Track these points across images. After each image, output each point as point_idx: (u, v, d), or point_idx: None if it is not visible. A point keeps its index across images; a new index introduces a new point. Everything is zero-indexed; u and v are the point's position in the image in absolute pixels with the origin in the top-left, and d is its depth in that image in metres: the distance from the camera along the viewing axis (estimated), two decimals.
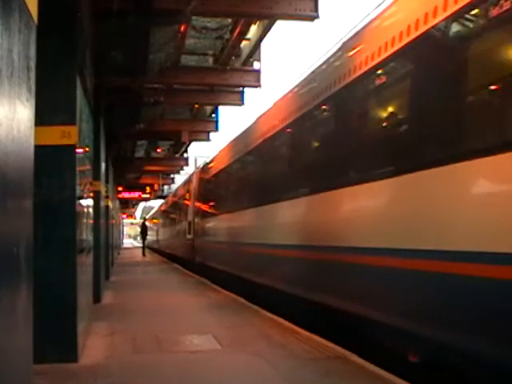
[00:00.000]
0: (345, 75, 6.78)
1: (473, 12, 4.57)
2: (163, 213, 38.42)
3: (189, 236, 20.55)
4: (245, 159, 12.59)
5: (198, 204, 19.19)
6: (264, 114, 11.47)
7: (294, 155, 9.24)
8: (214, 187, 16.55)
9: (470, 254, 4.27)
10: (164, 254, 33.99)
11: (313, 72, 8.46)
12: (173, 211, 30.05)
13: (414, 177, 5.09)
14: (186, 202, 22.42)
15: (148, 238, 45.98)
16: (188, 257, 21.05)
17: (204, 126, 18.92)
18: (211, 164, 17.52)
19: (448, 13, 4.70)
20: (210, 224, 16.52)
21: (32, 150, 2.56)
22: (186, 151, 25.84)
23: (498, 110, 4.39)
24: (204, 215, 17.78)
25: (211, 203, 16.74)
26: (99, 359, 5.89)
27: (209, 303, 10.58)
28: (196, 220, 19.36)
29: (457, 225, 4.52)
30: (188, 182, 23.25)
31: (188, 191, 22.32)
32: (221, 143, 16.10)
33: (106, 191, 13.94)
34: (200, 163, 21.51)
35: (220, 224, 14.88)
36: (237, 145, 13.64)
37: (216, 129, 18.50)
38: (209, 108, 17.88)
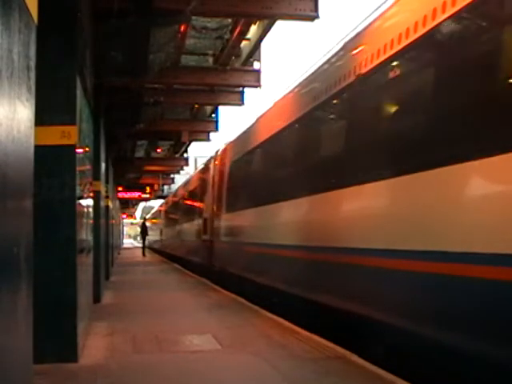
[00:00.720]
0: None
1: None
2: (168, 210, 33.92)
3: (204, 236, 16.47)
4: (313, 118, 8.26)
5: (218, 196, 14.67)
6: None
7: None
8: (248, 170, 12.09)
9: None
10: (167, 256, 30.87)
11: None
12: (180, 207, 26.00)
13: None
14: (200, 195, 18.61)
15: (150, 238, 45.69)
16: (203, 261, 16.84)
17: (204, 126, 18.91)
18: (243, 139, 13.00)
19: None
20: (242, 220, 12.00)
21: (32, 150, 2.56)
22: (186, 151, 25.84)
23: None
24: (230, 209, 13.16)
25: (242, 193, 12.33)
26: (99, 359, 5.89)
27: (209, 303, 10.58)
28: (215, 216, 14.95)
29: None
30: (203, 170, 18.74)
31: (202, 182, 18.21)
32: (260, 108, 13.09)
33: (106, 191, 13.94)
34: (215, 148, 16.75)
35: (260, 220, 10.65)
36: (295, 102, 9.37)
37: (216, 129, 18.50)
38: (209, 108, 17.88)
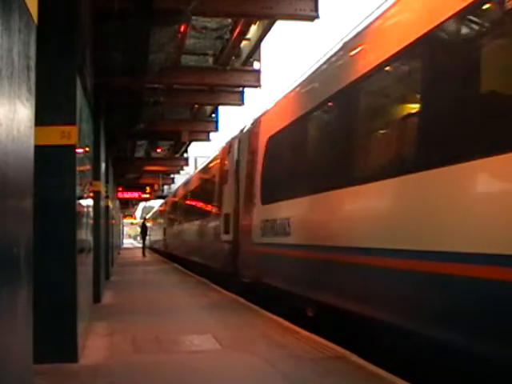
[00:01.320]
0: None
1: None
2: (173, 206, 30.00)
3: (225, 237, 13.17)
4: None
5: (246, 185, 11.36)
6: None
7: None
8: (306, 141, 8.66)
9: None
10: (171, 258, 28.18)
11: None
12: (189, 203, 22.77)
13: None
14: (216, 186, 15.22)
15: (152, 238, 45.27)
16: (223, 268, 13.55)
17: (204, 126, 18.93)
18: (292, 103, 9.47)
19: None
20: (299, 213, 8.30)
21: (32, 150, 2.56)
22: (186, 151, 25.86)
23: None
24: (271, 199, 9.66)
25: (295, 175, 8.71)
26: (99, 359, 5.89)
27: (209, 303, 10.57)
28: (242, 210, 11.63)
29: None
30: (220, 156, 15.18)
31: (220, 170, 14.82)
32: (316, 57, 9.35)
33: (106, 191, 13.94)
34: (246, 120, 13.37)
35: (311, 213, 7.83)
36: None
37: (216, 129, 18.52)
38: (209, 108, 17.89)
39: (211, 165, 17.22)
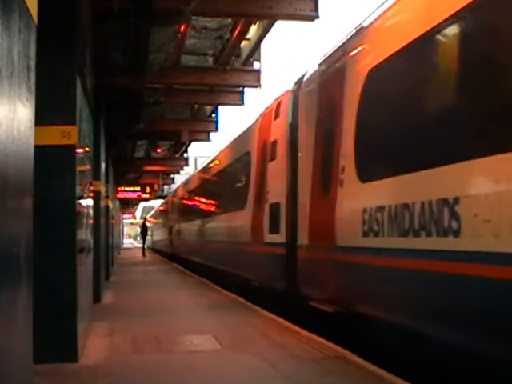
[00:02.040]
0: None
1: None
2: (184, 199, 24.47)
3: (272, 237, 9.43)
4: None
5: (316, 156, 7.63)
6: None
7: None
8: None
9: None
10: (179, 261, 24.40)
11: None
12: (208, 192, 18.17)
13: None
14: (256, 166, 11.02)
15: (155, 238, 44.70)
16: (268, 282, 9.72)
17: (204, 126, 18.93)
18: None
19: None
20: (435, 194, 4.59)
21: (32, 150, 2.56)
22: (186, 151, 25.85)
23: None
24: (374, 174, 5.92)
25: (426, 130, 5.06)
26: (99, 359, 5.90)
27: (209, 303, 10.57)
28: (304, 197, 7.90)
29: None
30: (262, 122, 10.89)
31: (262, 142, 10.60)
32: None
33: (106, 191, 13.94)
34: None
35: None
36: None
37: (216, 129, 18.53)
38: (209, 108, 17.89)
39: (244, 139, 12.88)
